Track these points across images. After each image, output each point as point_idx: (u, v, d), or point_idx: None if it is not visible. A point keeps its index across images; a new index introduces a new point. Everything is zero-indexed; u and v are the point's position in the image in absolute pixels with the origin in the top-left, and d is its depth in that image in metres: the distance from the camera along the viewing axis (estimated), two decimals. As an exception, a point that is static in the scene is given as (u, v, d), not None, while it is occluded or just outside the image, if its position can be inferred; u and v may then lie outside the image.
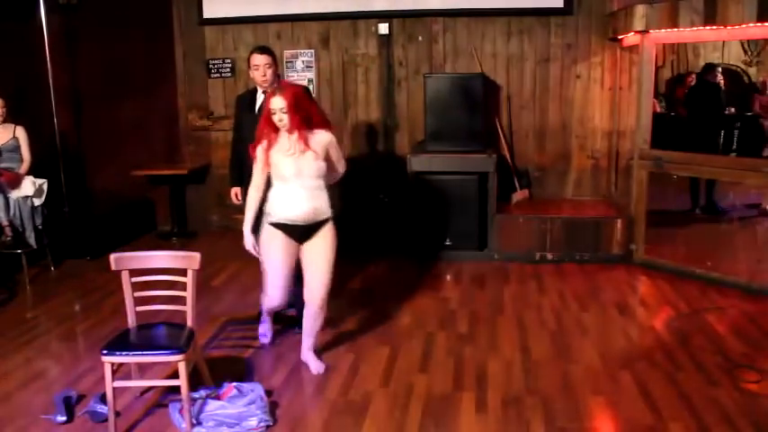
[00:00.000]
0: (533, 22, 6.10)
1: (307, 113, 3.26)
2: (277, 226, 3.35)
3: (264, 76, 3.80)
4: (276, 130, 3.26)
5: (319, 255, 3.40)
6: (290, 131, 3.23)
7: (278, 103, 3.17)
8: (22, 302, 4.79)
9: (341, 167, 3.53)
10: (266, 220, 3.39)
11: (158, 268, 3.09)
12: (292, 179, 3.26)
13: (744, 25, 4.50)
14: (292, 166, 3.24)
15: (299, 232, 3.36)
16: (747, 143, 6.84)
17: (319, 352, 3.76)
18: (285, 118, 3.19)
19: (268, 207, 3.37)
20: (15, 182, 5.12)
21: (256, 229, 3.43)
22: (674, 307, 4.44)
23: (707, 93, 6.73)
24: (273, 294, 3.51)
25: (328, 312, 3.56)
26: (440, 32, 6.21)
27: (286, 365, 3.65)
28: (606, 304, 4.52)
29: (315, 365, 3.59)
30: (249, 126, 3.64)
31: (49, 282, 5.26)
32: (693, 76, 8.22)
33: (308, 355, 3.63)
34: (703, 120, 6.69)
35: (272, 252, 3.40)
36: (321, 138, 3.33)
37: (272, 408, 3.13)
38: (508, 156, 6.20)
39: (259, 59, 3.81)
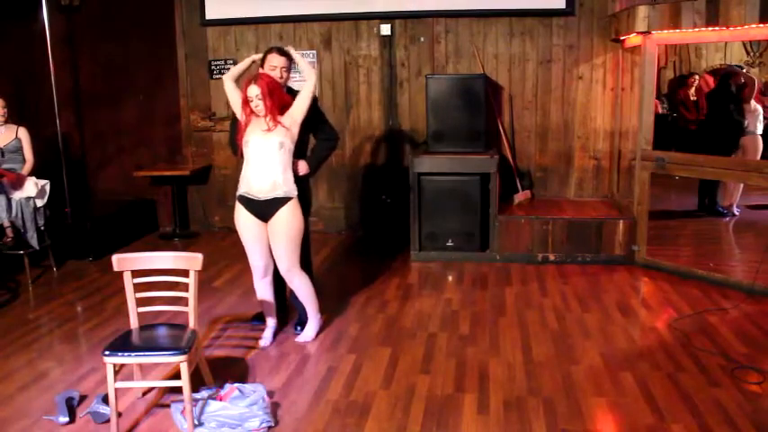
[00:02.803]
0: (535, 22, 6.11)
1: (280, 100, 3.62)
2: (241, 200, 3.73)
3: (281, 78, 3.80)
4: (255, 114, 3.64)
5: (276, 232, 3.72)
6: (264, 116, 3.60)
7: (253, 90, 3.56)
8: (24, 303, 4.79)
9: (309, 86, 3.74)
10: (236, 195, 3.77)
11: (160, 269, 3.10)
12: (256, 151, 3.61)
13: (746, 26, 4.49)
14: (260, 139, 3.61)
15: (260, 208, 3.68)
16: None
17: (322, 356, 3.77)
18: (260, 104, 3.56)
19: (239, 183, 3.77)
20: (18, 183, 5.13)
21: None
22: (675, 308, 4.43)
23: (729, 96, 6.68)
24: (255, 279, 3.89)
25: (329, 312, 3.55)
26: (442, 33, 6.21)
27: (288, 366, 3.65)
28: (608, 305, 4.51)
29: (303, 333, 3.99)
30: None
31: (51, 283, 5.26)
32: (695, 77, 8.25)
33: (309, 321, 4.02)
34: (722, 122, 6.64)
35: (240, 228, 3.79)
36: (286, 117, 3.67)
37: (274, 408, 3.14)
38: (510, 156, 6.20)
39: (278, 61, 3.81)
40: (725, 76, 6.95)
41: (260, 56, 3.88)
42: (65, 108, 6.28)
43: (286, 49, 3.88)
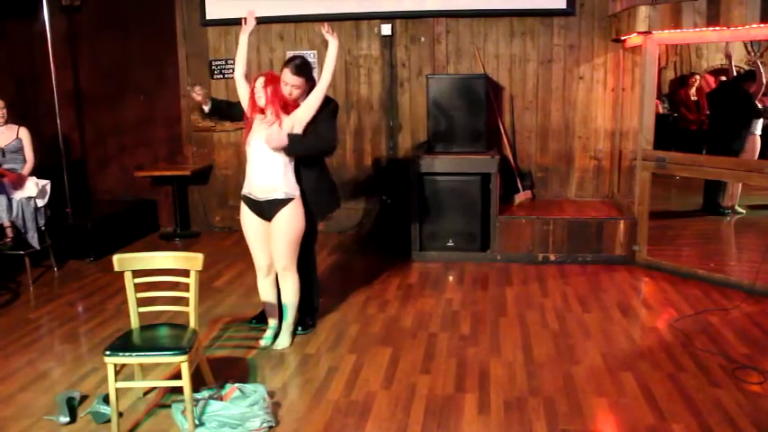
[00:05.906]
0: (536, 22, 6.10)
1: (282, 99, 3.69)
2: (244, 200, 3.81)
3: (290, 94, 3.74)
4: (259, 109, 3.69)
5: (276, 231, 3.75)
6: (264, 106, 3.66)
7: (259, 81, 3.68)
8: (24, 303, 4.80)
9: (317, 90, 3.77)
10: (241, 195, 3.84)
11: (161, 269, 3.10)
12: (257, 152, 3.66)
13: (747, 26, 4.49)
14: (260, 140, 3.63)
15: (260, 207, 3.74)
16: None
17: (322, 356, 3.78)
18: (261, 93, 3.64)
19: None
20: (18, 183, 5.13)
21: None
22: (676, 308, 4.43)
23: (738, 97, 6.65)
24: (258, 278, 3.93)
25: (329, 312, 3.54)
26: (442, 33, 6.21)
27: (289, 366, 3.65)
28: (609, 305, 4.51)
29: (279, 341, 3.89)
30: None
31: (51, 283, 5.26)
32: (696, 77, 8.24)
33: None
34: (729, 123, 6.61)
35: (244, 227, 3.88)
36: (289, 117, 3.70)
37: (275, 408, 3.14)
38: (511, 157, 6.20)
39: (289, 78, 3.71)
40: (739, 77, 6.91)
41: (250, 18, 3.85)
42: (65, 108, 6.27)
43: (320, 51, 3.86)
